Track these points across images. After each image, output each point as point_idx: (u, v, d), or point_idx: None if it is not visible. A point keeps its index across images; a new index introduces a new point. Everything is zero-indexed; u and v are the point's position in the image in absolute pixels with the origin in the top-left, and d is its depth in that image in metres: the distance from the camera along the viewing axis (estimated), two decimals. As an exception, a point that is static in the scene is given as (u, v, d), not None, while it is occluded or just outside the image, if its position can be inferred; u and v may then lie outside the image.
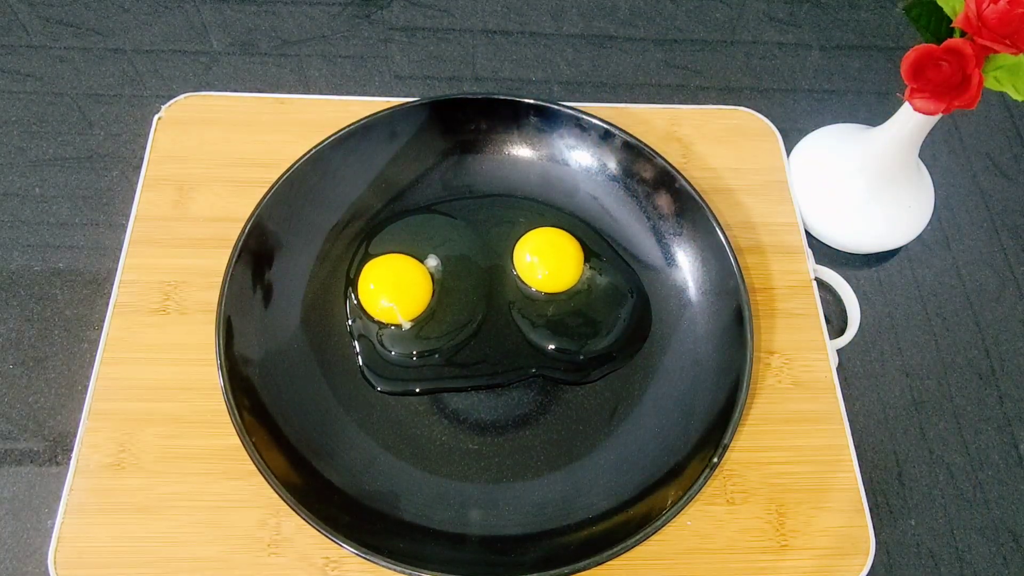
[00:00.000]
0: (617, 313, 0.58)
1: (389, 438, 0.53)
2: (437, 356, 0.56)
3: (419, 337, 0.56)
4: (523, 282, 0.59)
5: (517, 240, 0.60)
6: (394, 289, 0.57)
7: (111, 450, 0.51)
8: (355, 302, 0.57)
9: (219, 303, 0.53)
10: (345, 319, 0.57)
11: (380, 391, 0.54)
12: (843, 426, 0.55)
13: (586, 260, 0.60)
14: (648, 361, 0.57)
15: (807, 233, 0.64)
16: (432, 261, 0.59)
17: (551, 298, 0.59)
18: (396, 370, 0.55)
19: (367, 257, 0.59)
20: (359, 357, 0.55)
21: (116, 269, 0.58)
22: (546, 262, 0.58)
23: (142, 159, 0.62)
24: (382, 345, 0.56)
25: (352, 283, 0.58)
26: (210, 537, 0.49)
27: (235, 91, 0.68)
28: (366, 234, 0.60)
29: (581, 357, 0.57)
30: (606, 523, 0.50)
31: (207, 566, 0.48)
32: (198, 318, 0.56)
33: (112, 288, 0.57)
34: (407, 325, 0.56)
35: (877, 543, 0.52)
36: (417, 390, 0.55)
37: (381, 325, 0.56)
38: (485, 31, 0.74)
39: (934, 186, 0.66)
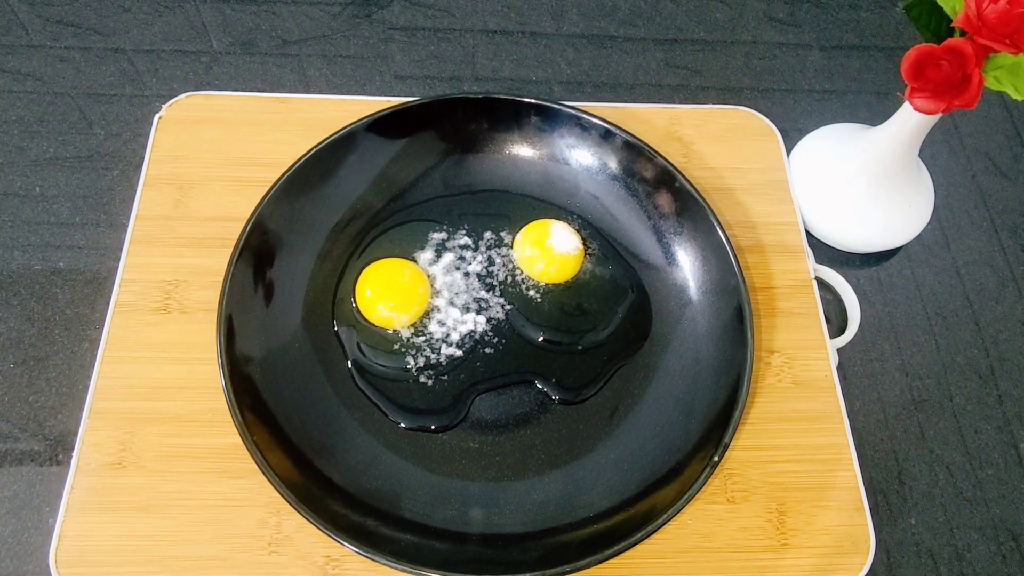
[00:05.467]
0: (616, 307, 0.59)
1: (390, 436, 0.53)
2: (439, 367, 0.56)
3: (416, 345, 0.56)
4: (523, 273, 0.59)
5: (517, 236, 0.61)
6: (392, 294, 0.56)
7: (112, 449, 0.51)
8: (353, 306, 0.57)
9: (220, 302, 0.53)
10: (333, 326, 0.57)
11: (397, 423, 0.54)
12: (843, 425, 0.55)
13: (586, 257, 0.60)
14: (649, 360, 0.57)
15: (807, 232, 0.64)
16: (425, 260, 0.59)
17: (551, 289, 0.59)
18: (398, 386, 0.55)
19: (358, 265, 0.59)
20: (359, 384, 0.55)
21: (117, 268, 0.58)
22: (546, 253, 0.59)
23: (143, 158, 0.62)
24: (374, 360, 0.56)
25: (351, 292, 0.58)
26: (211, 536, 0.49)
27: (235, 91, 0.68)
28: (355, 245, 0.60)
29: (579, 348, 0.57)
30: (607, 522, 0.50)
31: (208, 565, 0.48)
32: (199, 317, 0.56)
33: (113, 287, 0.57)
34: (406, 332, 0.57)
35: (877, 542, 0.52)
36: (401, 425, 0.55)
37: (372, 335, 0.56)
38: (485, 31, 0.74)
39: (934, 186, 0.66)
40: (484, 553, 0.49)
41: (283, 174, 0.58)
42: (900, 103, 0.58)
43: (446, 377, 0.55)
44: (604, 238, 0.62)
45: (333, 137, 0.59)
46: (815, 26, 0.77)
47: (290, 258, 0.58)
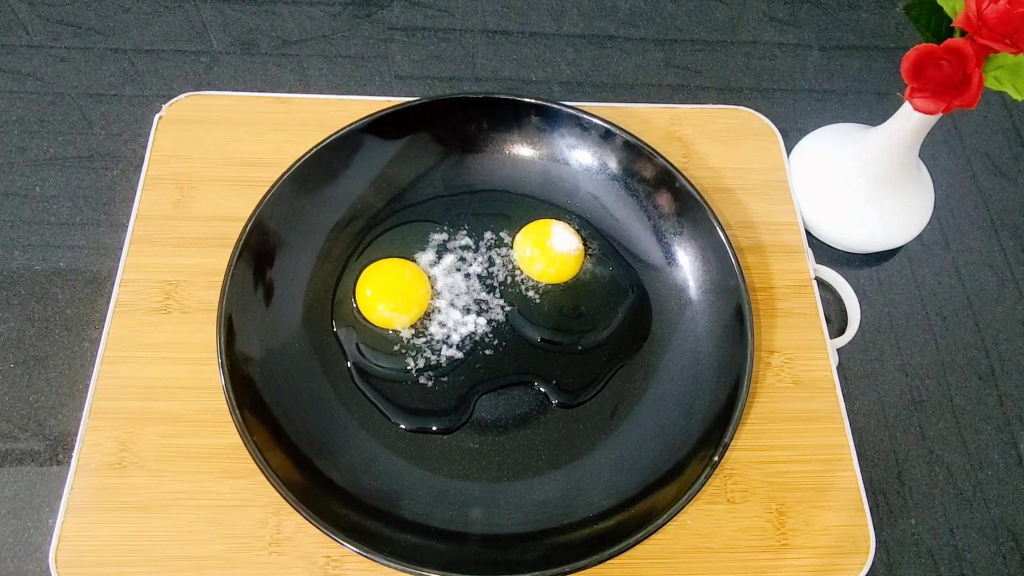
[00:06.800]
0: (616, 307, 0.59)
1: (390, 437, 0.53)
2: (439, 368, 0.56)
3: (416, 346, 0.56)
4: (523, 274, 0.59)
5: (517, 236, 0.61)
6: (393, 294, 0.56)
7: (112, 449, 0.51)
8: (353, 307, 0.57)
9: (220, 302, 0.53)
10: (332, 328, 0.57)
11: (397, 424, 0.54)
12: (843, 425, 0.55)
13: (586, 257, 0.60)
14: (648, 360, 0.57)
15: (807, 232, 0.64)
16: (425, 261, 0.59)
17: (551, 289, 0.59)
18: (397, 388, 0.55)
19: (358, 265, 0.59)
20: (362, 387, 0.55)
21: (117, 268, 0.58)
22: (546, 253, 0.59)
23: (143, 158, 0.62)
24: (375, 362, 0.56)
25: (351, 293, 0.58)
26: (211, 536, 0.49)
27: (235, 91, 0.68)
28: (355, 245, 0.60)
29: (579, 348, 0.57)
30: (607, 522, 0.50)
31: (208, 565, 0.48)
32: (199, 317, 0.56)
33: (113, 287, 0.57)
34: (406, 333, 0.56)
35: (877, 542, 0.52)
36: (401, 425, 0.55)
37: (372, 335, 0.56)
38: (485, 31, 0.74)
39: (934, 186, 0.66)
40: (484, 553, 0.49)
41: (283, 174, 0.58)
42: (900, 103, 0.58)
43: (446, 379, 0.55)
44: (604, 238, 0.62)
45: (333, 137, 0.59)
46: (815, 26, 0.77)
47: (290, 258, 0.58)
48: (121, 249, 0.58)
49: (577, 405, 0.55)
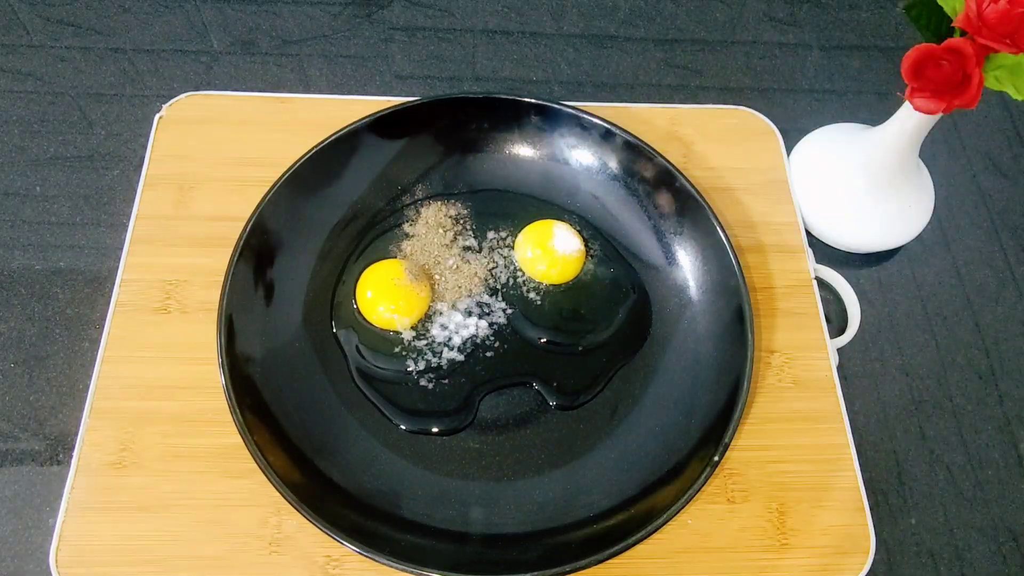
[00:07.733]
0: (617, 308, 0.59)
1: (390, 436, 0.53)
2: (439, 370, 0.56)
3: (417, 348, 0.56)
4: (525, 275, 0.59)
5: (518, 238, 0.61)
6: (394, 296, 0.56)
7: (112, 449, 0.51)
8: (354, 307, 0.57)
9: (220, 302, 0.53)
10: (331, 328, 0.57)
11: (398, 425, 0.54)
12: (843, 425, 0.55)
13: (587, 257, 0.60)
14: (649, 360, 0.57)
15: (807, 232, 0.64)
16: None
17: (552, 290, 0.59)
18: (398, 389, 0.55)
19: (358, 266, 0.59)
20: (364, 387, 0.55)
21: (117, 268, 0.58)
22: (548, 254, 0.59)
23: (143, 158, 0.62)
24: (375, 363, 0.56)
25: (351, 293, 0.58)
26: (211, 536, 0.49)
27: (236, 91, 0.68)
28: (355, 246, 0.60)
29: (580, 349, 0.57)
30: (607, 521, 0.50)
31: (208, 564, 0.48)
32: (199, 317, 0.56)
33: (113, 287, 0.57)
34: (407, 335, 0.56)
35: (877, 542, 0.52)
36: (401, 427, 0.55)
37: (373, 336, 0.56)
38: (485, 31, 0.74)
39: (934, 186, 0.66)
40: (484, 553, 0.49)
41: (283, 174, 0.58)
42: (900, 103, 0.58)
43: (447, 380, 0.55)
44: (604, 238, 0.62)
45: (333, 137, 0.59)
46: (815, 26, 0.77)
47: (291, 258, 0.58)
48: (121, 249, 0.58)
49: (578, 406, 0.55)
